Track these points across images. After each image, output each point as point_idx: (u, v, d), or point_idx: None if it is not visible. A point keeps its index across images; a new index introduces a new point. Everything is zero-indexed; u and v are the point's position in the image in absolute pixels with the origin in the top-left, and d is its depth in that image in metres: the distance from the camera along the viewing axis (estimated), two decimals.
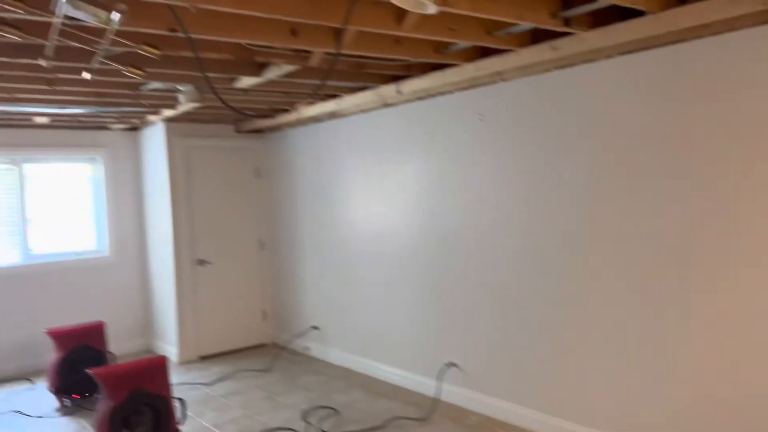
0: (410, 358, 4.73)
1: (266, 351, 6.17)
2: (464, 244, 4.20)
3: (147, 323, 6.43)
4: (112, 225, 6.20)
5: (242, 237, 6.29)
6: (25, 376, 5.55)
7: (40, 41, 2.62)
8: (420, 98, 4.40)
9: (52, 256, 5.89)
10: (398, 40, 3.27)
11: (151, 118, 5.55)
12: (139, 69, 3.01)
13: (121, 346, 6.19)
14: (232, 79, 4.00)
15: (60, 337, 4.67)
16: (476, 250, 4.12)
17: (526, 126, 3.74)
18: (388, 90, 4.26)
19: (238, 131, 6.23)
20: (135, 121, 5.76)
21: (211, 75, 3.72)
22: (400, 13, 2.72)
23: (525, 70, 3.58)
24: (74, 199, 6.08)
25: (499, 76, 3.74)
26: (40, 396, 4.94)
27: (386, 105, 4.70)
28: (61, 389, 4.62)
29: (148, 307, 6.40)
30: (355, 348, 5.31)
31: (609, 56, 3.24)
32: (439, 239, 4.39)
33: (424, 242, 4.52)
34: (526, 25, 2.95)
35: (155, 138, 5.95)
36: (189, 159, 5.94)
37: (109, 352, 4.93)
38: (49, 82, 3.65)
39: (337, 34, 3.03)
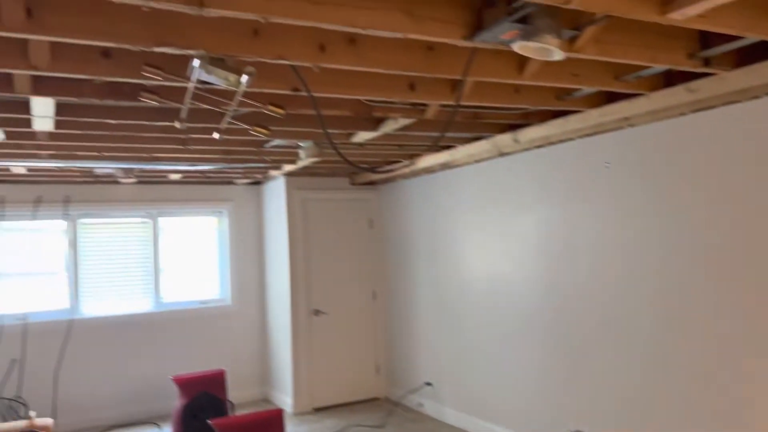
0: (531, 423, 4.41)
1: (379, 406, 6.05)
2: (588, 300, 3.91)
3: (265, 372, 6.56)
4: (234, 274, 6.47)
5: (356, 287, 6.31)
6: (152, 420, 5.81)
7: (175, 105, 2.79)
8: (539, 146, 4.24)
9: (180, 304, 6.22)
10: (517, 89, 3.17)
11: (273, 172, 5.80)
12: (265, 128, 3.13)
13: (239, 394, 6.33)
14: (350, 134, 4.08)
15: (184, 384, 4.84)
16: (602, 306, 3.81)
17: (657, 173, 3.46)
18: (504, 139, 4.14)
19: (353, 183, 6.35)
20: (258, 175, 6.05)
21: (330, 131, 3.80)
22: (522, 62, 2.63)
23: (656, 115, 3.33)
24: (201, 250, 6.43)
25: (626, 122, 3.52)
26: None
27: (502, 154, 4.58)
28: None
29: (266, 356, 6.54)
30: (471, 407, 5.06)
31: (756, 97, 2.93)
32: (562, 294, 4.12)
33: (544, 297, 4.27)
34: (659, 67, 2.75)
35: (276, 191, 6.19)
36: (306, 211, 6.11)
37: (229, 401, 5.05)
38: (183, 142, 3.90)
39: (455, 86, 2.99)
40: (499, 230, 4.71)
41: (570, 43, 2.28)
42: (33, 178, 5.40)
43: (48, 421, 4.39)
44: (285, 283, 6.02)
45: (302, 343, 5.96)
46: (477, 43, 2.14)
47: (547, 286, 4.25)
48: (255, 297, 6.58)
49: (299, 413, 5.86)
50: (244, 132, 3.53)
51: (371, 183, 6.37)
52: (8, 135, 3.43)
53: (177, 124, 2.83)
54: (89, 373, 5.71)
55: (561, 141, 4.06)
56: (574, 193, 4.02)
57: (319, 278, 6.12)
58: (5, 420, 5.25)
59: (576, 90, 3.23)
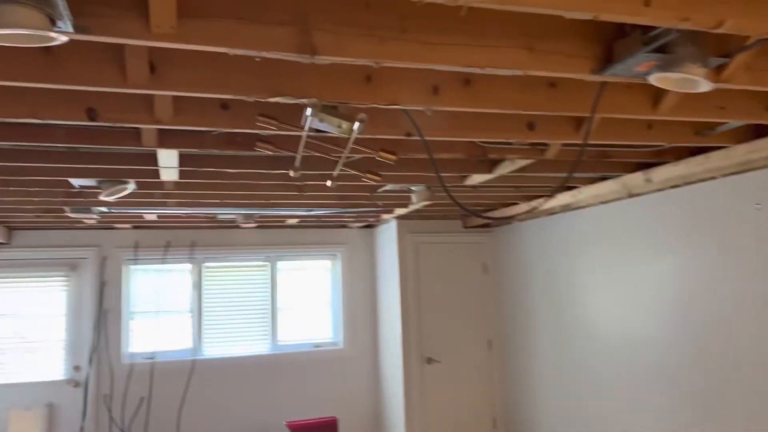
0: None
1: None
2: (736, 358, 3.41)
3: (378, 420, 6.42)
4: (347, 317, 6.45)
5: (470, 335, 6.05)
6: None
7: (289, 153, 2.80)
8: (674, 186, 3.85)
9: (295, 346, 6.27)
10: (650, 125, 2.88)
11: (385, 216, 5.76)
12: (376, 174, 3.07)
13: None
14: (463, 177, 3.94)
15: (297, 430, 4.81)
16: (753, 369, 3.30)
17: None
18: (634, 179, 3.81)
19: (466, 226, 6.17)
20: (371, 219, 6.04)
21: (442, 174, 3.69)
22: (657, 95, 2.38)
23: None
24: (315, 293, 6.49)
25: None
26: None
27: (632, 195, 4.21)
28: None
29: (378, 403, 6.40)
30: None
31: None
32: (708, 351, 3.65)
33: (687, 353, 3.80)
34: None
35: (388, 235, 6.15)
36: (418, 254, 5.99)
37: None
38: (299, 188, 3.96)
39: (578, 123, 2.77)
40: (628, 277, 4.31)
41: (716, 72, 2.01)
42: (163, 224, 5.74)
43: None
44: (397, 327, 5.89)
45: (415, 392, 5.76)
46: (607, 77, 1.94)
47: (685, 340, 3.78)
48: (367, 341, 6.51)
49: None
50: (357, 178, 3.50)
51: (485, 225, 6.16)
52: (139, 185, 3.63)
53: (291, 173, 2.84)
54: (209, 413, 5.86)
55: (700, 180, 3.66)
56: (717, 238, 3.58)
57: (432, 324, 5.93)
58: None
59: (719, 124, 2.89)
